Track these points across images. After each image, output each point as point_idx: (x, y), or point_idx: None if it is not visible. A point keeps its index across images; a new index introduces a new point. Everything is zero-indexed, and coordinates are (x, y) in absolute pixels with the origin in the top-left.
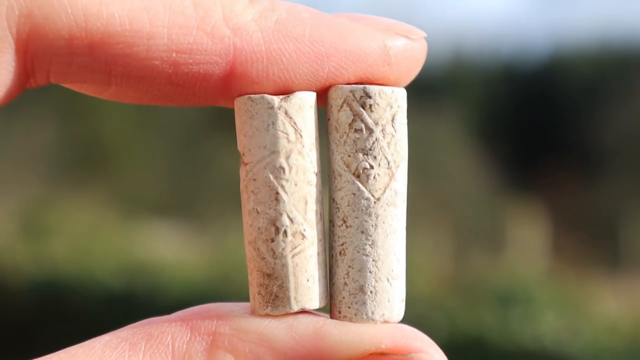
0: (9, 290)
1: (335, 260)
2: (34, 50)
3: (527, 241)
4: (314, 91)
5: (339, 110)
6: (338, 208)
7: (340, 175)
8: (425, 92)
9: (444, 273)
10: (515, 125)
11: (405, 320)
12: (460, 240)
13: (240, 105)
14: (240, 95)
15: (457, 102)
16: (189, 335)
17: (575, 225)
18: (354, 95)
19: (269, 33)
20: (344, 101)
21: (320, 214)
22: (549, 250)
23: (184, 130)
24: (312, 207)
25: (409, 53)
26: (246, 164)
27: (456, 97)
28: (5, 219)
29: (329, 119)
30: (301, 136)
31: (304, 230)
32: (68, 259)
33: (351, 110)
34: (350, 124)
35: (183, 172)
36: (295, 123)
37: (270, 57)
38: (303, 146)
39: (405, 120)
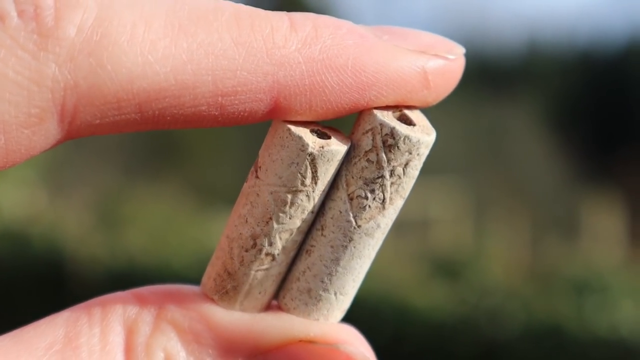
0: (86, 280)
1: (301, 255)
2: (82, 117)
3: (603, 230)
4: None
5: (364, 133)
6: (323, 214)
7: (338, 189)
8: (501, 81)
9: (520, 262)
10: (591, 114)
11: (483, 309)
12: (537, 229)
13: (277, 129)
14: (282, 120)
15: (533, 91)
16: (139, 307)
17: None
18: (381, 128)
19: (312, 64)
20: (371, 129)
21: (299, 243)
22: (625, 238)
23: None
24: (294, 238)
25: (446, 75)
26: (257, 177)
27: (532, 86)
28: (82, 210)
29: (353, 134)
30: (315, 183)
31: (277, 254)
32: (144, 249)
33: (373, 140)
34: (366, 152)
35: None
36: (316, 171)
37: (313, 89)
38: (313, 191)
39: (420, 167)
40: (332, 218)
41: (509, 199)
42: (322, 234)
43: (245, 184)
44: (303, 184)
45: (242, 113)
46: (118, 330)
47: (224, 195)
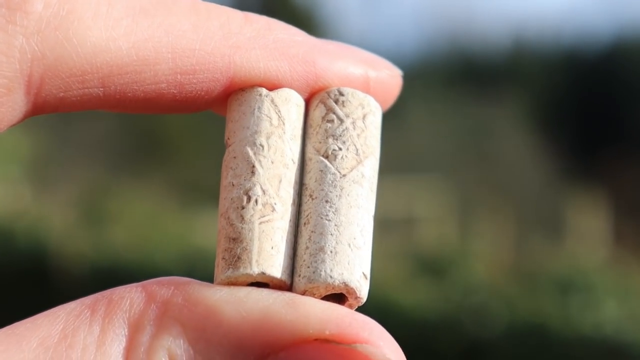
0: (70, 276)
1: (300, 232)
2: (47, 89)
3: (588, 229)
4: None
5: (314, 109)
6: (306, 187)
7: (310, 159)
8: (486, 80)
9: (504, 261)
10: (576, 113)
11: (467, 308)
12: (521, 228)
13: (232, 98)
14: None
15: (518, 90)
16: (144, 302)
17: (637, 212)
18: (328, 95)
19: (266, 51)
20: (320, 101)
21: (294, 200)
22: (610, 238)
23: None
24: (286, 188)
25: (385, 85)
26: (229, 146)
27: (517, 85)
28: (66, 206)
29: (305, 123)
30: (283, 124)
31: (275, 204)
32: (128, 245)
33: (325, 106)
34: (323, 117)
35: None
36: (279, 111)
37: (267, 73)
38: (284, 132)
39: (379, 126)
40: (316, 181)
41: (494, 197)
42: (312, 199)
43: (222, 166)
44: (271, 124)
45: (199, 92)
46: (120, 329)
47: (208, 192)
